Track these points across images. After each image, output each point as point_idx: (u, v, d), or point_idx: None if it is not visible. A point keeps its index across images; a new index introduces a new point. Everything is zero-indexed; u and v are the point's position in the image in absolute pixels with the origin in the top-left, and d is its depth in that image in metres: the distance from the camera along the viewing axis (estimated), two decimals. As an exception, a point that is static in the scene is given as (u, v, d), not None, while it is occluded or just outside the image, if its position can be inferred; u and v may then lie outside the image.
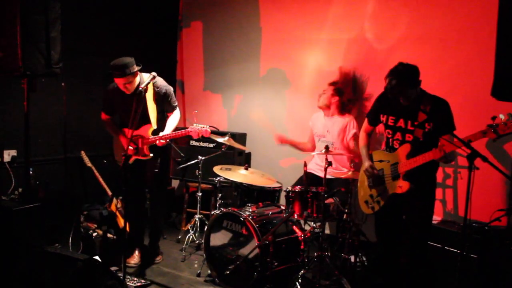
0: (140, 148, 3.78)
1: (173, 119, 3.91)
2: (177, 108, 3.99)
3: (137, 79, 3.71)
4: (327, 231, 4.06)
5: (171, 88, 3.90)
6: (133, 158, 3.79)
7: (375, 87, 4.22)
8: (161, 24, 5.60)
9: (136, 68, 3.65)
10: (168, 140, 3.78)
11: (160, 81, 3.80)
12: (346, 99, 4.27)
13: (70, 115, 4.38)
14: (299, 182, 4.16)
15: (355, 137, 4.05)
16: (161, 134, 3.72)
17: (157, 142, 3.70)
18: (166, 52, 5.78)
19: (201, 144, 4.93)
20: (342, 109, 4.22)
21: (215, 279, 3.62)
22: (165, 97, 3.82)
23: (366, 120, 3.45)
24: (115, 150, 3.99)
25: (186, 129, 3.71)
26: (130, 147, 3.67)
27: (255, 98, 5.26)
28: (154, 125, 3.77)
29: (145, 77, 3.63)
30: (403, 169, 3.07)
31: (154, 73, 3.49)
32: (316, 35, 4.75)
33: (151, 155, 3.79)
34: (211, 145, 4.83)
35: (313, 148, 4.36)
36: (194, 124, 3.70)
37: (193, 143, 4.99)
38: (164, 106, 3.88)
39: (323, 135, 4.24)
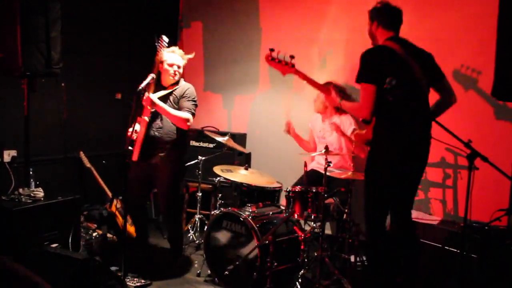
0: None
1: (178, 111, 3.66)
2: (188, 113, 3.62)
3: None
4: (327, 231, 4.05)
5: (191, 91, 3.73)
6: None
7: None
8: (161, 24, 5.60)
9: None
10: (152, 106, 3.52)
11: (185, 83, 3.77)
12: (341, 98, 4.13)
13: (70, 115, 4.39)
14: (299, 182, 4.16)
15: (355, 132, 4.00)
16: (151, 95, 3.53)
17: (144, 97, 3.48)
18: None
19: (201, 144, 4.93)
20: (338, 109, 4.11)
21: (215, 279, 3.63)
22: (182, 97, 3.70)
23: None
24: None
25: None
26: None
27: (255, 98, 5.25)
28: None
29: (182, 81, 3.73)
30: None
31: (152, 74, 3.48)
32: (317, 35, 4.75)
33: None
34: (211, 145, 4.83)
35: (315, 148, 4.36)
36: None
37: (193, 143, 4.99)
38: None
39: (322, 137, 4.24)
